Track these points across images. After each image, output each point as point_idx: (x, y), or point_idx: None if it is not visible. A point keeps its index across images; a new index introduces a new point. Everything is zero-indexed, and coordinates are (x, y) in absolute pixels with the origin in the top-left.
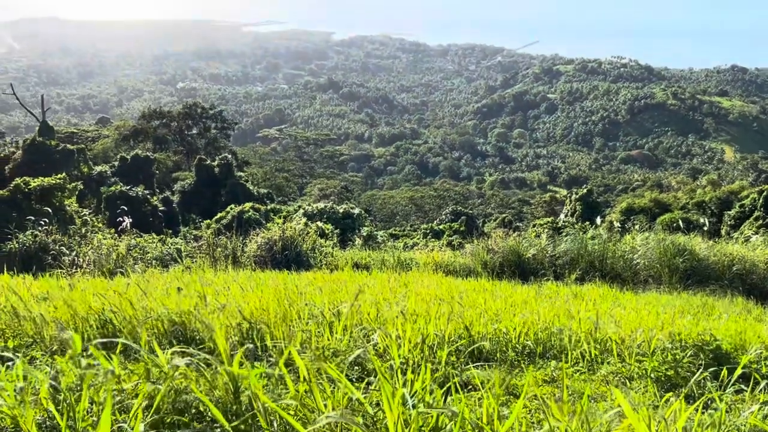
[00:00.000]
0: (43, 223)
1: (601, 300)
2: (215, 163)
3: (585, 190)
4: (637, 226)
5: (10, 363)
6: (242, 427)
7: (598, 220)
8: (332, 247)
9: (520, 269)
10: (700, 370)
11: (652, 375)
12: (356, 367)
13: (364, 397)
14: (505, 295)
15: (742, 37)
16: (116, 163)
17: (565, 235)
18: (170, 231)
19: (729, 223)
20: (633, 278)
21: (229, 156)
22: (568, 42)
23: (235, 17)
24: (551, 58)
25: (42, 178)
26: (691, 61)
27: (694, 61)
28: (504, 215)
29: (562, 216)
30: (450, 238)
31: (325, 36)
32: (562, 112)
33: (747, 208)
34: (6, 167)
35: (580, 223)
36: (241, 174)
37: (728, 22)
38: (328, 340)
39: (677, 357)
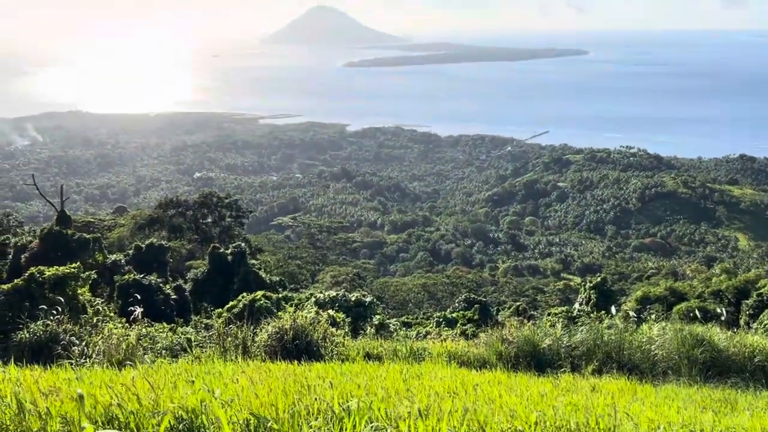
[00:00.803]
0: (54, 312)
1: (619, 394)
2: (229, 251)
3: (599, 279)
4: (653, 316)
5: None
6: None
7: (614, 309)
8: (343, 337)
9: (535, 360)
10: None
11: None
12: None
13: None
14: (521, 388)
15: (747, 127)
16: (131, 252)
17: (581, 325)
18: (182, 319)
19: (747, 312)
20: (651, 370)
21: (243, 244)
22: (576, 132)
23: (253, 110)
24: (560, 148)
25: (57, 267)
26: (698, 150)
27: (703, 150)
28: (518, 303)
29: (576, 305)
30: (463, 327)
31: (340, 128)
32: (573, 200)
33: (765, 297)
34: (22, 256)
35: (595, 312)
36: (254, 262)
37: (734, 110)
38: None
39: None
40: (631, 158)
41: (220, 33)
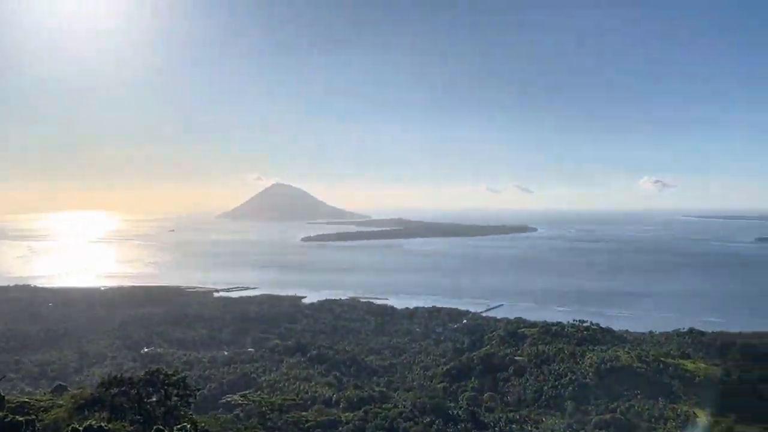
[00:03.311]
0: None
1: None
2: None
3: None
4: None
5: None
6: None
7: None
8: None
9: None
10: None
11: None
12: None
13: None
14: None
15: (694, 301)
16: None
17: None
18: None
19: None
20: None
21: (188, 426)
22: (529, 305)
23: (208, 283)
24: (515, 321)
25: None
26: (647, 324)
27: (651, 323)
28: None
29: None
30: None
31: (296, 300)
32: (530, 375)
33: None
34: None
35: None
36: None
37: (679, 285)
38: None
39: None
40: (585, 332)
41: (178, 209)
